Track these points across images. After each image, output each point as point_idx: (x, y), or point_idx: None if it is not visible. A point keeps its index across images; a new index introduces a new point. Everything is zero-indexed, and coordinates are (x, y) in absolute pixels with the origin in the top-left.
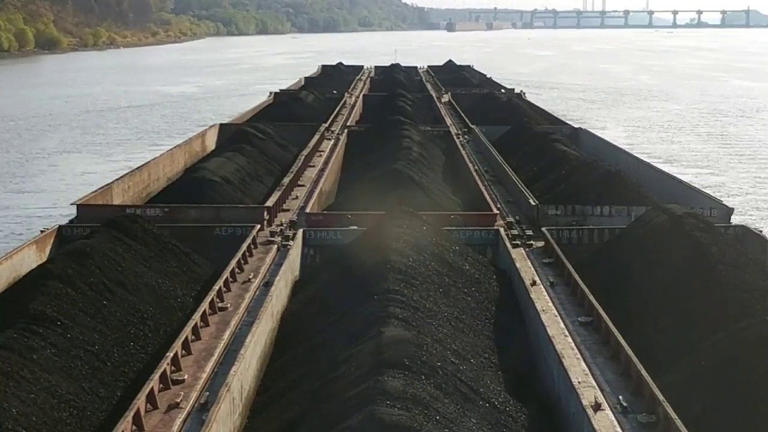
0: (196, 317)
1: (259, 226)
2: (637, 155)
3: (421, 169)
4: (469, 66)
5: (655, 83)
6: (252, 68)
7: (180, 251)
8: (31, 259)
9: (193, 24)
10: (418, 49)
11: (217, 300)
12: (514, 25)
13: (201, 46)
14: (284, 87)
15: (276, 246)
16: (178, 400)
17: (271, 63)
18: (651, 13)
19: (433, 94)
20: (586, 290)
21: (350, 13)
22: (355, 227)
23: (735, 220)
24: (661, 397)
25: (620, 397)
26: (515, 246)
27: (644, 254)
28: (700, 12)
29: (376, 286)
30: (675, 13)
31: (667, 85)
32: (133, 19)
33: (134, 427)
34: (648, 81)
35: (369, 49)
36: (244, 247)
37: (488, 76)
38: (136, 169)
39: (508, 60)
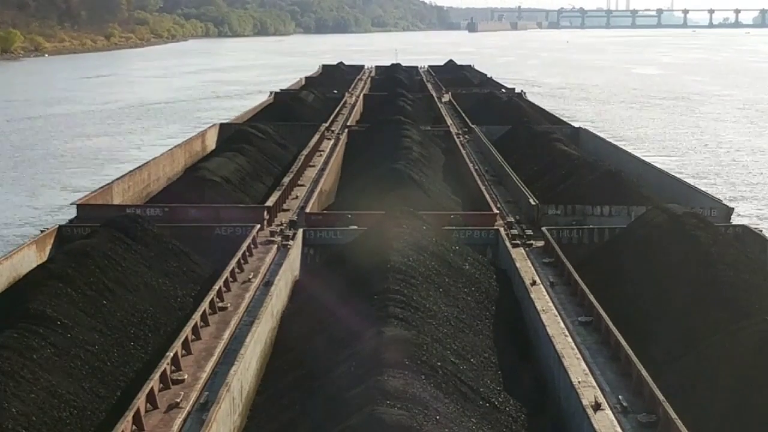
0: (196, 317)
1: (259, 226)
2: (638, 155)
3: (421, 168)
4: (469, 65)
5: None
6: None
7: (180, 251)
8: (31, 259)
9: (176, 24)
10: (439, 60)
11: (217, 300)
12: (540, 25)
13: (148, 52)
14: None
15: (276, 246)
16: (178, 400)
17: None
18: (686, 12)
19: (434, 94)
20: (586, 290)
21: (363, 13)
22: (355, 227)
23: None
24: (661, 397)
25: (620, 396)
26: (515, 246)
27: (644, 254)
28: (738, 11)
29: (376, 286)
30: (711, 12)
31: None
32: (87, 17)
33: (134, 427)
34: None
35: (368, 60)
36: (244, 246)
37: (489, 75)
38: (136, 168)
39: (622, 86)
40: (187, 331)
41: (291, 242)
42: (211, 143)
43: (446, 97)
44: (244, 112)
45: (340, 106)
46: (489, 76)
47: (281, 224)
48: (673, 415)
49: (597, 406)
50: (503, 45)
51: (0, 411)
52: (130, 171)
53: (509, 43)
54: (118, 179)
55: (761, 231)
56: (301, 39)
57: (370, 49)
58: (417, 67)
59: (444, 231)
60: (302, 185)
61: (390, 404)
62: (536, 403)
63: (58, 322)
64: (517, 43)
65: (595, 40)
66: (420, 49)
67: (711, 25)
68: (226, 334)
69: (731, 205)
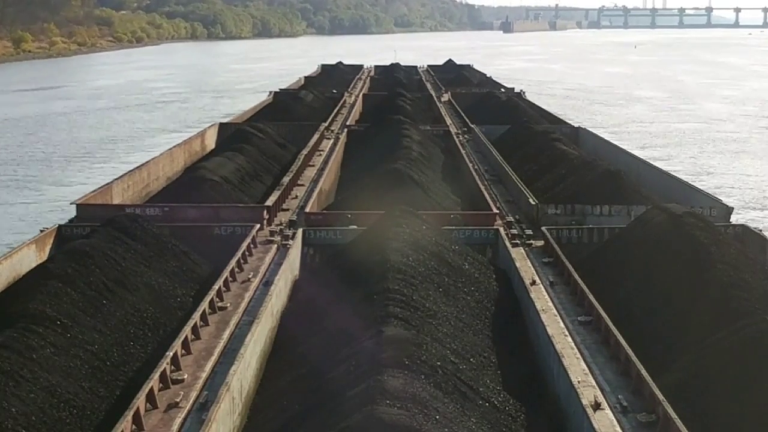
0: (196, 317)
1: (258, 226)
2: (637, 154)
3: (420, 168)
4: (469, 65)
5: None
6: None
7: (179, 250)
8: (31, 259)
9: (151, 24)
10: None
11: (217, 299)
12: (579, 25)
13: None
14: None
15: (276, 245)
16: (178, 400)
17: None
18: (738, 10)
19: (433, 94)
20: (586, 290)
21: (385, 11)
22: (355, 227)
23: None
24: (660, 397)
25: (620, 396)
26: (515, 245)
27: (644, 254)
28: None
29: (376, 286)
30: (766, 10)
31: None
32: (9, 16)
33: (134, 427)
34: None
35: None
36: (244, 246)
37: (488, 75)
38: (136, 168)
39: None
40: (186, 330)
41: (291, 242)
42: (211, 143)
43: (445, 97)
44: (244, 111)
45: (339, 105)
46: (488, 75)
47: (281, 224)
48: (673, 414)
49: (597, 406)
50: (559, 52)
51: (0, 411)
52: (130, 171)
53: (564, 50)
54: (117, 179)
55: (761, 231)
56: (306, 42)
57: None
58: (416, 66)
59: (443, 230)
60: (302, 185)
61: (390, 404)
62: (536, 403)
63: (58, 322)
64: (575, 52)
65: (663, 52)
66: (440, 57)
67: (766, 24)
68: (226, 334)
69: None
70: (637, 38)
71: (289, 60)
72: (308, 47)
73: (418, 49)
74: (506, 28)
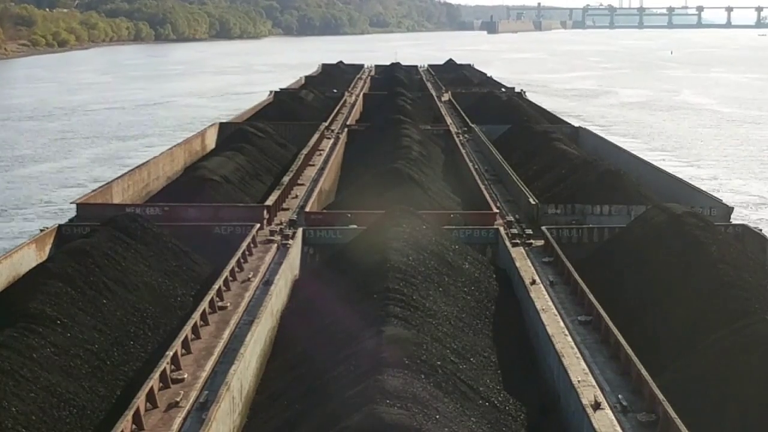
0: (196, 316)
1: (258, 225)
2: (638, 154)
3: (420, 168)
4: (469, 65)
5: None
6: None
7: (180, 250)
8: (31, 258)
9: (84, 24)
10: None
11: (217, 299)
12: (564, 25)
13: None
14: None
15: (276, 245)
16: (178, 399)
17: None
18: (730, 10)
19: (434, 93)
20: (586, 289)
21: (359, 10)
22: (355, 226)
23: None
24: (660, 396)
25: (620, 396)
26: (515, 245)
27: (644, 253)
28: None
29: (376, 285)
30: (759, 9)
31: None
32: None
33: (134, 426)
34: None
35: None
36: (244, 246)
37: (488, 74)
38: (136, 168)
39: None
40: (186, 330)
41: (291, 241)
42: (211, 142)
43: (446, 97)
44: (244, 111)
45: (339, 105)
46: (489, 75)
47: (281, 223)
48: (673, 414)
49: (597, 406)
50: (616, 67)
51: (0, 410)
52: (130, 170)
53: (611, 62)
54: (117, 178)
55: (761, 230)
56: (265, 46)
57: None
58: (417, 66)
59: (444, 230)
60: (302, 184)
61: (390, 403)
62: (536, 403)
63: (58, 321)
64: (637, 65)
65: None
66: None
67: (759, 24)
68: (226, 334)
69: None
70: (633, 41)
71: (203, 80)
72: (259, 54)
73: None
74: (490, 28)
